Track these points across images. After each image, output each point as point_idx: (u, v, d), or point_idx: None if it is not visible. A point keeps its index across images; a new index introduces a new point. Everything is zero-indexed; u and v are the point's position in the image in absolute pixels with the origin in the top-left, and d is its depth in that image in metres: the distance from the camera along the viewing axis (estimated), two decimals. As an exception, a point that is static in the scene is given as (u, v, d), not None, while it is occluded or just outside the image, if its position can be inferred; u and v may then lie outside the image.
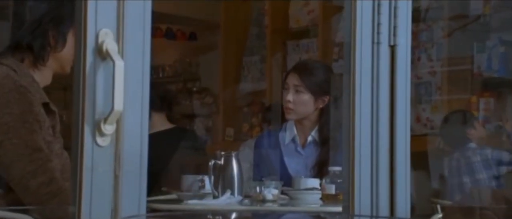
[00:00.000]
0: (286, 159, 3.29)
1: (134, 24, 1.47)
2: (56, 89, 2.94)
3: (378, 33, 1.85)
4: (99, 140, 1.41)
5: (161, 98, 3.82)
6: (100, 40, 1.41)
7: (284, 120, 3.35)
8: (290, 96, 3.21)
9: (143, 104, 1.48)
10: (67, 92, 6.33)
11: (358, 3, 1.83)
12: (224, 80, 6.16)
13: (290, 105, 3.22)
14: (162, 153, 3.67)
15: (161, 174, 3.51)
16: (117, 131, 1.44)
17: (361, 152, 1.82)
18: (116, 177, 1.43)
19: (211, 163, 2.50)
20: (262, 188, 2.52)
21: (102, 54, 1.41)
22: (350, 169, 1.82)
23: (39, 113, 2.29)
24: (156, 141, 3.87)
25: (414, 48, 5.51)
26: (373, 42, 1.85)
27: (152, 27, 5.26)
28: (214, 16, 6.21)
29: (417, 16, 5.61)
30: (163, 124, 3.83)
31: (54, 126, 2.45)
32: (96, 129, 1.41)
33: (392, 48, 1.88)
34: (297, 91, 3.22)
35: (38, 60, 2.42)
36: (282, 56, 5.92)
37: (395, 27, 1.88)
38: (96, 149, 1.41)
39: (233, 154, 2.51)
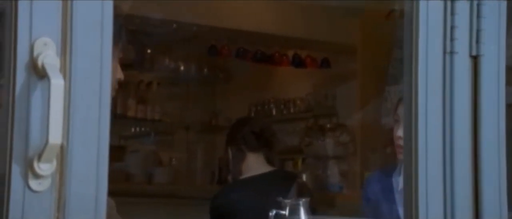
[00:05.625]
0: (400, 210, 2.99)
1: (88, 31, 1.29)
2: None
3: (452, 39, 1.57)
4: (33, 183, 1.24)
5: (257, 136, 3.64)
6: (35, 52, 1.24)
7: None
8: (401, 132, 2.91)
9: (101, 137, 1.29)
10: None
11: (422, 2, 1.56)
12: (363, 115, 5.90)
13: (402, 143, 2.92)
14: (255, 201, 3.48)
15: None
16: (60, 171, 1.26)
17: (429, 206, 1.54)
18: (58, 232, 1.25)
19: (272, 213, 2.28)
20: (346, 247, 2.25)
21: (38, 71, 1.24)
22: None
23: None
24: (249, 186, 3.71)
25: None
26: (444, 52, 1.57)
27: (275, 54, 5.09)
28: (350, 38, 5.98)
29: None
30: (260, 167, 3.64)
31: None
32: (29, 168, 1.23)
33: (475, 60, 1.59)
34: (411, 125, 2.92)
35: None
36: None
37: (478, 31, 1.59)
38: (28, 195, 1.23)
39: (301, 202, 2.28)
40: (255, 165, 3.65)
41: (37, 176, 1.23)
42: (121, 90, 6.39)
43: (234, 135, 3.70)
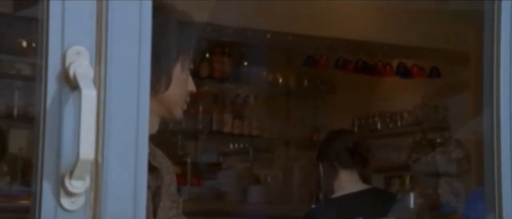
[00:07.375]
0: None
1: (124, 37, 1.27)
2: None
3: (539, 40, 1.48)
4: (66, 202, 1.22)
5: (350, 152, 3.56)
6: (67, 62, 1.23)
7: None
8: None
9: (138, 152, 1.27)
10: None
11: (505, 2, 1.48)
12: (477, 128, 5.74)
13: None
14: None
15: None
16: (95, 189, 1.24)
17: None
18: (93, 255, 1.23)
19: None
20: None
21: (70, 82, 1.23)
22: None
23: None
24: (341, 206, 3.63)
25: None
26: (530, 55, 1.49)
27: (378, 63, 4.98)
28: (462, 45, 5.82)
29: None
30: (354, 185, 3.56)
31: (160, 187, 2.31)
32: (60, 186, 1.22)
33: None
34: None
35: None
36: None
37: None
38: (61, 215, 1.21)
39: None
40: (348, 183, 3.58)
41: (69, 193, 1.21)
42: (217, 106, 6.43)
43: (326, 150, 3.64)
